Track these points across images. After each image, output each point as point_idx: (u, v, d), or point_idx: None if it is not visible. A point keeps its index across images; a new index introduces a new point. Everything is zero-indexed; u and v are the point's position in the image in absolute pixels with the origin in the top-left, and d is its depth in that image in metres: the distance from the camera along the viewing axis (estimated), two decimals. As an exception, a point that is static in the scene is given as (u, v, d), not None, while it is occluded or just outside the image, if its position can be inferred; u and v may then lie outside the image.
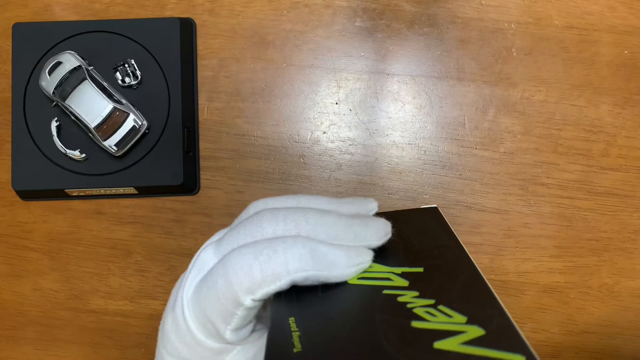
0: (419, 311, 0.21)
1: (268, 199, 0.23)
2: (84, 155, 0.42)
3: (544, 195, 0.45)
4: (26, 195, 0.44)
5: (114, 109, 0.41)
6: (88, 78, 0.41)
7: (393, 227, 0.26)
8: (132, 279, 0.44)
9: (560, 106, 0.45)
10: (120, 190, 0.43)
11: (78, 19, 0.45)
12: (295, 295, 0.21)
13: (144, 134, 0.42)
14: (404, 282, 0.24)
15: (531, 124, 0.45)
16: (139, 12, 0.46)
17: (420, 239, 0.30)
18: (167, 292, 0.44)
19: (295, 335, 0.19)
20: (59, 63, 0.42)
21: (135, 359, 0.44)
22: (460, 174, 0.45)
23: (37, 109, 0.43)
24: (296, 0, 0.46)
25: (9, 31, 0.44)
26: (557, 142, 0.45)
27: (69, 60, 0.42)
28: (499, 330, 0.19)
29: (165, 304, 0.44)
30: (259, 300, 0.20)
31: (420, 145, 0.45)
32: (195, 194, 0.45)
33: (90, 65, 0.43)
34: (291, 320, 0.20)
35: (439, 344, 0.18)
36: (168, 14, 0.46)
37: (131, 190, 0.43)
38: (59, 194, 0.44)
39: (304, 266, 0.19)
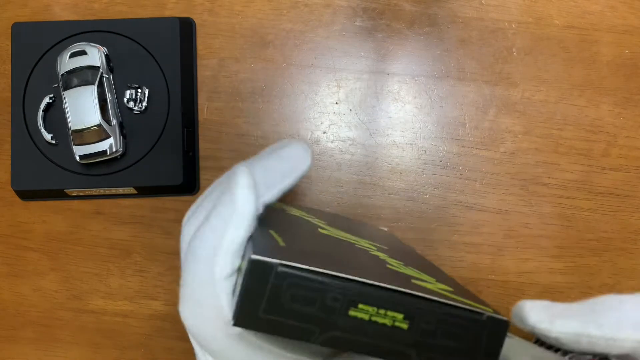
0: (391, 262, 0.22)
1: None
2: (54, 141, 0.42)
3: (545, 195, 0.45)
4: (25, 195, 0.44)
5: (99, 125, 0.40)
6: (96, 85, 0.40)
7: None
8: (131, 279, 0.44)
9: (561, 106, 0.45)
10: (120, 190, 0.43)
11: (78, 19, 0.45)
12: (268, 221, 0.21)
13: (115, 158, 0.42)
14: (372, 247, 0.25)
15: (532, 124, 0.45)
16: (139, 12, 0.45)
17: (378, 236, 0.33)
18: (167, 292, 0.44)
19: (279, 239, 0.19)
20: (83, 52, 0.41)
21: (135, 359, 0.44)
22: (461, 174, 0.45)
23: (37, 109, 0.43)
24: (296, 0, 0.46)
25: (9, 31, 0.44)
26: (558, 142, 0.45)
27: (93, 57, 0.41)
28: (464, 290, 0.21)
29: (165, 304, 0.44)
30: (237, 249, 0.19)
31: (420, 145, 0.45)
32: (195, 194, 0.45)
33: (109, 73, 0.42)
34: (271, 231, 0.20)
35: (416, 282, 0.19)
36: (168, 13, 0.46)
37: (131, 190, 0.43)
38: (58, 194, 0.44)
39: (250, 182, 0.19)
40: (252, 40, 0.46)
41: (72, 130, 0.40)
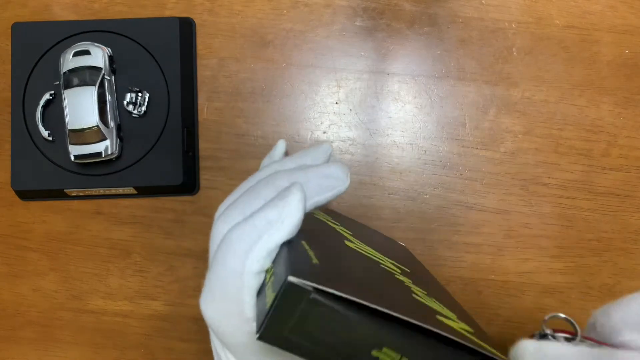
0: (416, 291, 0.22)
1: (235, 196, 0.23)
2: (50, 138, 0.42)
3: (545, 195, 0.45)
4: (25, 195, 0.44)
5: (96, 127, 0.40)
6: (97, 86, 0.40)
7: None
8: (131, 279, 0.44)
9: (561, 106, 0.45)
10: (120, 191, 0.43)
11: (77, 19, 0.45)
12: (303, 236, 0.21)
13: (110, 160, 0.42)
14: (397, 269, 0.25)
15: (532, 124, 0.45)
16: (139, 12, 0.45)
17: (399, 253, 0.33)
18: (167, 293, 0.44)
19: (311, 253, 0.19)
20: (87, 52, 0.41)
21: (135, 359, 0.44)
22: (461, 174, 0.45)
23: (37, 106, 0.43)
24: (296, 0, 0.46)
25: (9, 31, 0.44)
26: (558, 142, 0.45)
27: (97, 57, 0.41)
28: (483, 333, 0.21)
29: (165, 304, 0.44)
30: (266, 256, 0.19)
31: (420, 145, 0.45)
32: (195, 194, 0.45)
33: (112, 74, 0.42)
34: (304, 242, 0.20)
35: (441, 318, 0.19)
36: (168, 13, 0.45)
37: (131, 190, 0.43)
38: (58, 194, 0.44)
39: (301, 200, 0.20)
40: (252, 40, 0.45)
41: (69, 130, 0.40)
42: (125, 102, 0.42)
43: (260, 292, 0.19)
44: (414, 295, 0.21)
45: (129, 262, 0.44)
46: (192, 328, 0.44)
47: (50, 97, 0.42)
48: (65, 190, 0.43)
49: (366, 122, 0.45)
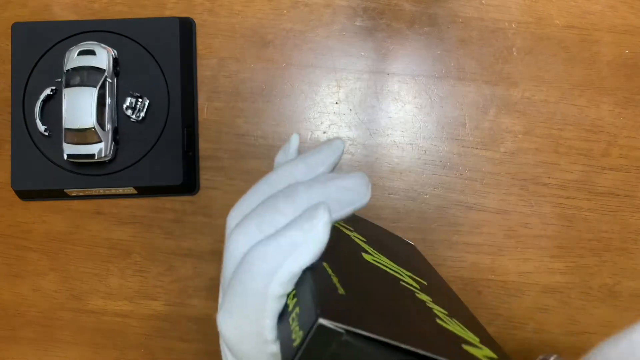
0: (438, 313, 0.22)
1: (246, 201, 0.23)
2: (47, 133, 0.42)
3: (545, 195, 0.45)
4: (25, 195, 0.44)
5: (92, 129, 0.40)
6: (98, 88, 0.40)
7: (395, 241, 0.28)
8: (131, 279, 0.44)
9: (561, 106, 0.45)
10: (120, 191, 0.43)
11: (77, 19, 0.45)
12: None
13: (103, 162, 0.42)
14: (416, 285, 0.25)
15: (532, 124, 0.45)
16: (139, 12, 0.45)
17: (412, 258, 0.32)
18: (167, 292, 0.44)
19: (335, 279, 0.19)
20: (92, 52, 0.41)
21: (135, 359, 0.44)
22: (461, 174, 0.45)
23: (36, 102, 0.43)
24: (296, 0, 0.46)
25: (9, 31, 0.44)
26: (558, 142, 0.45)
27: (101, 59, 0.41)
28: (506, 357, 0.21)
29: (165, 304, 0.44)
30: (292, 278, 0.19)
31: (420, 145, 0.45)
32: (195, 194, 0.45)
33: (114, 77, 0.42)
34: (325, 264, 0.20)
35: (467, 347, 0.19)
36: (168, 13, 0.45)
37: (131, 190, 0.43)
38: (58, 194, 0.44)
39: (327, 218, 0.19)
40: (252, 40, 0.45)
41: (65, 128, 0.40)
42: (124, 106, 0.42)
43: (282, 316, 0.19)
44: (437, 321, 0.21)
45: (129, 262, 0.44)
46: (192, 328, 0.44)
47: (51, 93, 0.42)
48: (65, 190, 0.43)
49: (366, 122, 0.45)
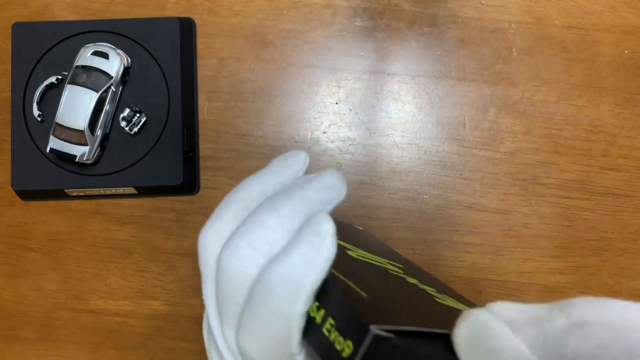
0: (431, 293, 0.23)
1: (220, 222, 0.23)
2: (39, 119, 0.42)
3: (545, 195, 0.45)
4: (26, 195, 0.44)
5: (82, 131, 0.40)
6: (99, 93, 0.40)
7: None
8: (132, 279, 0.44)
9: (561, 106, 0.45)
10: (120, 191, 0.43)
11: (78, 19, 0.45)
12: None
13: (82, 163, 0.42)
14: (399, 270, 0.26)
15: (532, 124, 0.45)
16: (139, 12, 0.46)
17: (378, 244, 0.32)
18: (167, 292, 0.44)
19: (351, 284, 0.20)
20: (105, 55, 0.41)
21: (135, 359, 0.44)
22: (461, 174, 0.45)
23: (38, 86, 0.43)
24: (296, 0, 0.46)
25: (9, 31, 0.44)
26: (558, 142, 0.45)
27: (112, 65, 0.41)
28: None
29: (165, 304, 0.44)
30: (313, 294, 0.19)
31: (420, 145, 0.45)
32: (195, 194, 0.45)
33: (120, 85, 0.42)
34: (334, 271, 0.20)
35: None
36: (168, 13, 0.46)
37: (131, 190, 0.43)
38: (58, 194, 0.44)
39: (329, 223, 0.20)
40: (252, 40, 0.46)
41: (57, 122, 0.40)
42: (121, 116, 0.42)
43: (308, 329, 0.19)
44: (437, 300, 0.22)
45: (129, 261, 0.44)
46: (192, 328, 0.44)
47: (55, 82, 0.42)
48: (65, 190, 0.43)
49: (366, 122, 0.45)
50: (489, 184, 0.45)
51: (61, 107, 0.40)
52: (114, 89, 0.42)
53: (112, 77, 0.41)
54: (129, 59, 0.43)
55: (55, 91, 0.43)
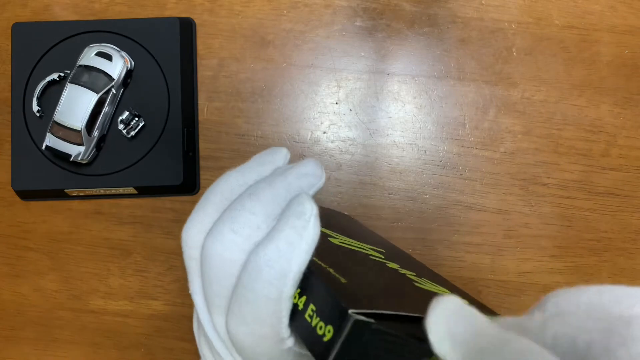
0: (411, 277, 0.23)
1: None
2: (38, 114, 0.42)
3: (545, 195, 0.45)
4: (26, 195, 0.44)
5: (79, 131, 0.40)
6: (99, 95, 0.40)
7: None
8: (132, 279, 0.44)
9: (561, 106, 0.45)
10: (120, 190, 0.43)
11: (78, 19, 0.45)
12: None
13: (78, 163, 0.42)
14: (380, 255, 0.26)
15: (531, 124, 0.45)
16: (139, 12, 0.46)
17: (360, 229, 0.32)
18: (167, 292, 0.44)
19: (331, 270, 0.20)
20: (109, 57, 0.41)
21: (135, 359, 0.44)
22: (461, 174, 0.45)
23: (40, 82, 0.43)
24: (296, 0, 0.46)
25: (9, 31, 0.44)
26: (558, 142, 0.45)
27: (115, 67, 0.41)
28: (477, 302, 0.23)
29: (165, 304, 0.44)
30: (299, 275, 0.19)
31: (420, 145, 0.45)
32: (195, 194, 0.45)
33: (121, 88, 0.42)
34: (315, 259, 0.20)
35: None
36: (168, 13, 0.46)
37: (131, 190, 0.43)
38: (58, 194, 0.44)
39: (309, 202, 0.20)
40: (252, 40, 0.46)
41: (54, 120, 0.40)
42: (119, 119, 0.42)
43: (292, 316, 0.20)
44: (416, 285, 0.23)
45: (129, 261, 0.44)
46: (193, 328, 0.44)
47: (57, 79, 0.42)
48: (65, 190, 0.43)
49: (366, 122, 0.45)
50: (489, 184, 0.45)
51: (60, 105, 0.40)
52: (115, 92, 0.42)
53: (113, 79, 0.41)
54: (133, 62, 0.43)
55: (56, 88, 0.43)
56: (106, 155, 0.43)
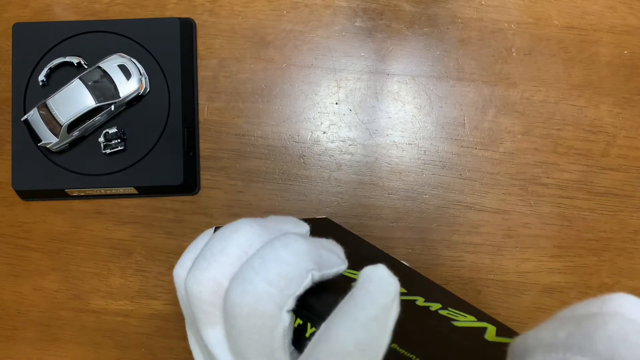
0: (443, 313, 0.23)
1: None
2: (41, 83, 0.43)
3: (544, 195, 0.45)
4: (26, 195, 0.44)
5: (63, 127, 0.40)
6: (97, 105, 0.41)
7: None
8: (132, 279, 0.44)
9: (560, 106, 0.45)
10: (121, 190, 0.43)
11: (78, 19, 0.45)
12: (309, 302, 0.21)
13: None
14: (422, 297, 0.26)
15: (531, 124, 0.45)
16: (139, 12, 0.46)
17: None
18: (168, 292, 0.44)
19: (405, 352, 0.20)
20: (128, 74, 0.41)
21: (136, 359, 0.44)
22: (460, 174, 0.45)
23: (55, 58, 0.43)
24: (296, 0, 0.46)
25: (9, 31, 0.44)
26: (557, 142, 0.45)
27: (128, 87, 0.41)
28: (500, 324, 0.22)
29: (165, 304, 0.44)
30: (291, 309, 0.19)
31: (420, 145, 0.45)
32: (196, 194, 0.45)
33: (124, 107, 0.42)
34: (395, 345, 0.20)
35: (488, 336, 0.20)
36: (168, 14, 0.46)
37: (131, 190, 0.43)
38: (59, 194, 0.44)
39: (313, 266, 0.20)
40: (252, 40, 0.46)
41: (45, 102, 0.41)
42: (105, 131, 0.42)
43: (298, 341, 0.20)
44: (454, 324, 0.22)
45: (130, 261, 0.44)
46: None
47: (75, 65, 0.42)
48: (66, 190, 0.43)
49: (366, 122, 0.45)
50: (489, 184, 0.45)
51: (58, 93, 0.41)
52: (113, 110, 0.42)
53: (119, 97, 0.41)
54: (149, 88, 0.43)
55: (68, 71, 0.43)
56: (110, 154, 0.43)
